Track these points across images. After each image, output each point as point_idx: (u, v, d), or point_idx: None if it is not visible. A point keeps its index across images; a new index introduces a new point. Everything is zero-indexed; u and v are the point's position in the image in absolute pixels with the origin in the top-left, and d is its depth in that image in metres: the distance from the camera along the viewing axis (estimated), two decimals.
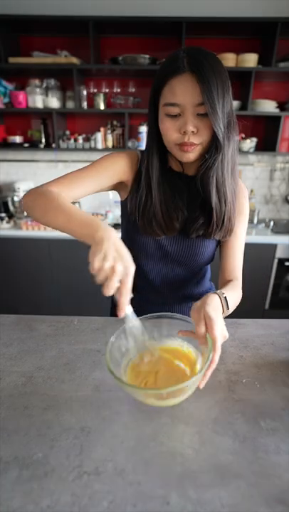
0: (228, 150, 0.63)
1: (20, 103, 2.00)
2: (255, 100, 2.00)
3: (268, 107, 1.99)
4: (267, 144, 2.16)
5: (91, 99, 2.09)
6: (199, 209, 0.69)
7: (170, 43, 2.02)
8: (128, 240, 0.78)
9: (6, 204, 2.23)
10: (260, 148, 2.17)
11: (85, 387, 0.53)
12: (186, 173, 0.71)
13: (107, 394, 0.52)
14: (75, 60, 1.91)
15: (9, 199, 2.24)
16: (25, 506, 0.36)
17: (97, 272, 0.44)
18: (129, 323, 0.50)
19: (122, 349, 0.53)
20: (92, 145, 2.13)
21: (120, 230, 0.82)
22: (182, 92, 0.57)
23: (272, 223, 2.20)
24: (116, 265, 0.44)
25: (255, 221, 2.23)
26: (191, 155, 0.62)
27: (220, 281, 0.76)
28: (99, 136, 2.11)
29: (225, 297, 0.58)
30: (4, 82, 2.01)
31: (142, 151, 0.73)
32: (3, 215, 2.14)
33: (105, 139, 2.13)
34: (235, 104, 2.02)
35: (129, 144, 2.12)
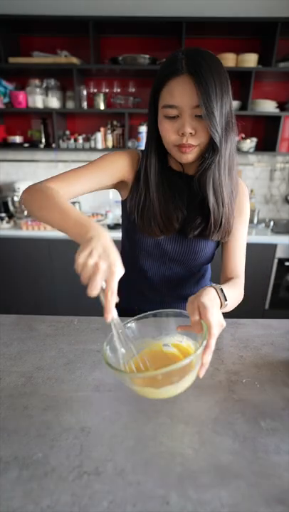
0: (226, 151, 0.63)
1: (20, 103, 2.00)
2: (255, 100, 2.00)
3: (267, 106, 1.99)
4: (267, 144, 2.16)
5: (91, 99, 2.09)
6: (197, 209, 0.69)
7: (170, 43, 2.02)
8: (128, 239, 0.78)
9: (6, 204, 2.23)
10: (260, 148, 2.17)
11: (85, 387, 0.53)
12: (187, 173, 0.71)
13: (107, 394, 0.52)
14: (75, 60, 1.91)
15: (9, 199, 2.24)
16: (25, 506, 0.36)
17: (81, 268, 0.43)
18: (117, 329, 0.48)
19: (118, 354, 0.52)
20: (92, 145, 2.13)
21: (121, 229, 0.82)
22: (180, 93, 0.57)
23: (272, 223, 2.20)
24: (100, 262, 0.43)
25: (255, 221, 2.23)
26: (190, 156, 0.63)
27: (221, 280, 0.76)
28: (99, 136, 2.11)
29: (221, 289, 0.58)
30: (4, 82, 2.01)
31: (142, 151, 0.73)
32: (3, 215, 2.14)
33: (105, 139, 2.13)
34: (235, 104, 2.02)
35: (129, 144, 2.12)
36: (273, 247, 2.02)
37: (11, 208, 2.25)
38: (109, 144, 2.14)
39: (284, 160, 2.29)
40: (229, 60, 1.89)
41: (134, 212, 0.71)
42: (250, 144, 2.08)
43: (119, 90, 2.13)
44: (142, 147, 1.98)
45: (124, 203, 0.76)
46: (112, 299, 0.44)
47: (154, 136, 0.66)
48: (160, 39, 2.03)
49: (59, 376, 0.56)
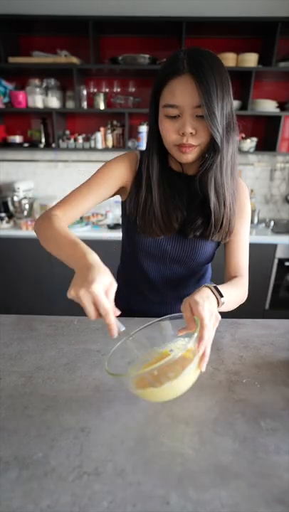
0: (228, 152, 0.63)
1: (20, 103, 2.00)
2: (256, 100, 2.00)
3: (268, 106, 1.99)
4: (267, 144, 2.16)
5: (91, 99, 2.09)
6: (198, 210, 0.69)
7: (170, 43, 2.02)
8: (128, 239, 0.78)
9: (5, 204, 2.23)
10: (260, 148, 2.17)
11: (85, 387, 0.53)
12: (186, 173, 0.71)
13: (107, 394, 0.52)
14: (75, 60, 1.91)
15: (9, 199, 2.23)
16: (25, 506, 0.36)
17: (74, 298, 0.46)
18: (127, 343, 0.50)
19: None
20: (92, 145, 2.13)
21: (121, 229, 0.83)
22: (181, 93, 0.57)
23: (272, 223, 2.20)
24: (90, 289, 0.44)
25: (256, 221, 2.23)
26: (190, 156, 0.63)
27: (226, 280, 0.76)
28: (99, 135, 2.11)
29: (215, 287, 0.57)
30: (4, 82, 2.01)
31: (141, 151, 0.73)
32: (2, 215, 2.14)
33: (105, 139, 2.13)
34: (236, 103, 2.02)
35: (129, 143, 2.12)
36: (273, 247, 2.02)
37: (11, 207, 2.24)
38: (109, 143, 2.14)
39: (284, 160, 2.29)
40: (229, 59, 1.89)
41: (135, 212, 0.71)
42: (250, 143, 2.08)
43: (119, 90, 2.13)
44: (142, 147, 1.98)
45: (124, 204, 0.76)
46: (111, 315, 0.46)
47: (155, 136, 0.66)
48: (160, 39, 2.03)
49: (59, 376, 0.56)
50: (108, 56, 2.01)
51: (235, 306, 0.66)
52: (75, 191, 0.70)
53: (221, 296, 0.57)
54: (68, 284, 0.47)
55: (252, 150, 2.11)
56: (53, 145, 2.13)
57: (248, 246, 0.77)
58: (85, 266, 0.48)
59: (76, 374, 0.57)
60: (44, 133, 2.17)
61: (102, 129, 2.12)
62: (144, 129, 2.10)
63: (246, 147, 2.08)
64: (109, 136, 2.13)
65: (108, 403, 0.50)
